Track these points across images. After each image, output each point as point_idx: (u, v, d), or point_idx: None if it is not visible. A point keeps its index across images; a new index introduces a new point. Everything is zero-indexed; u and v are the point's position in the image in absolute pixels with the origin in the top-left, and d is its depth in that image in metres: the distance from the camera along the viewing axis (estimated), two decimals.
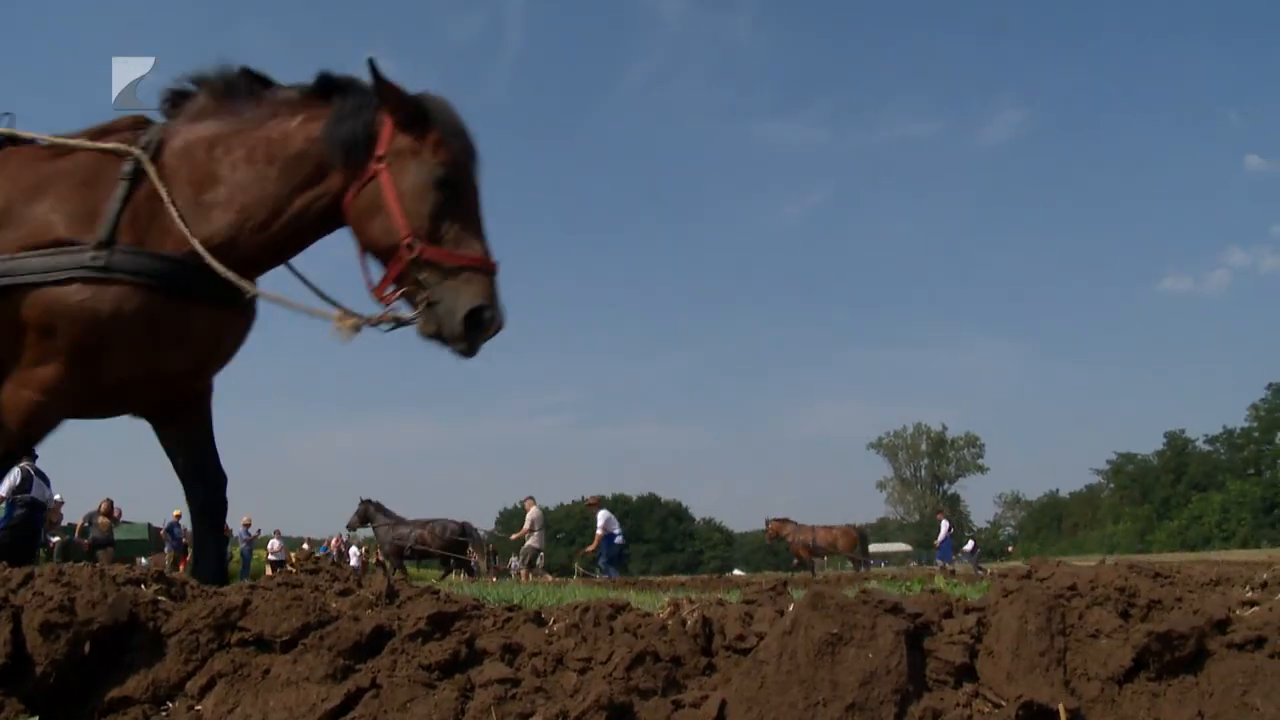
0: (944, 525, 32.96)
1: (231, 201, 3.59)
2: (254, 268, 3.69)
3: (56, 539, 21.90)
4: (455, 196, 3.59)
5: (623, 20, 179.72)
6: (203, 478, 3.89)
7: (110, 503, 23.78)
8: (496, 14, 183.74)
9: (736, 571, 34.68)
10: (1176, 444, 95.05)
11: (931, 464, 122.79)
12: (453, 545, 24.20)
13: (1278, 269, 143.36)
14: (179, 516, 27.94)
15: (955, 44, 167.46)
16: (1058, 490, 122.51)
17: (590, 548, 24.30)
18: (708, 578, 28.84)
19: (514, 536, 24.97)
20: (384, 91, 3.59)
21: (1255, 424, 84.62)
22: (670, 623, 1.99)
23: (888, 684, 1.64)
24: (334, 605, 2.12)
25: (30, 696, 1.80)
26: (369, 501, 25.53)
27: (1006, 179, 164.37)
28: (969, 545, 36.93)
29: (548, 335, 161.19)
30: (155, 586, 2.25)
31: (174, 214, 3.50)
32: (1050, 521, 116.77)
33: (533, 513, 23.24)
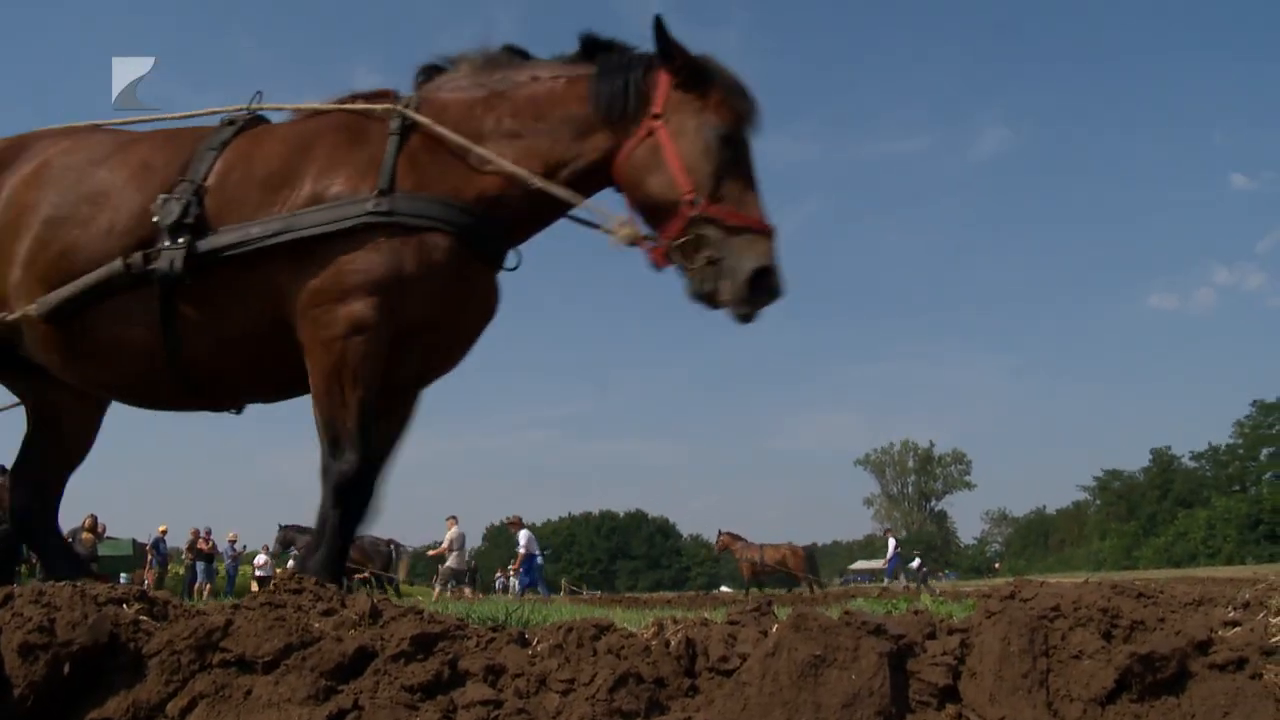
0: (891, 544, 33.09)
1: (501, 158, 3.58)
2: (516, 229, 3.70)
3: None
4: (736, 157, 3.54)
5: (614, 34, 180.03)
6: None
7: (94, 518, 23.60)
8: (488, 27, 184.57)
9: (724, 588, 34.77)
10: (1162, 461, 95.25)
11: (919, 480, 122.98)
12: (380, 561, 24.30)
13: (1262, 287, 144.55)
14: (164, 532, 27.79)
15: (944, 60, 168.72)
16: (1044, 507, 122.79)
17: (514, 566, 24.53)
18: (694, 594, 28.80)
19: (431, 553, 24.95)
20: (668, 48, 3.57)
21: (1240, 441, 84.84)
22: (654, 643, 1.98)
23: (870, 706, 1.64)
24: (317, 625, 2.11)
25: (8, 719, 1.79)
26: (287, 527, 25.67)
27: (994, 195, 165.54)
28: (915, 563, 37.24)
29: (535, 350, 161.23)
30: (137, 606, 2.24)
31: (467, 145, 3.53)
32: (1037, 538, 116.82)
33: (453, 532, 23.16)
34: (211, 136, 3.70)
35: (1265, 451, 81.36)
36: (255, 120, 3.88)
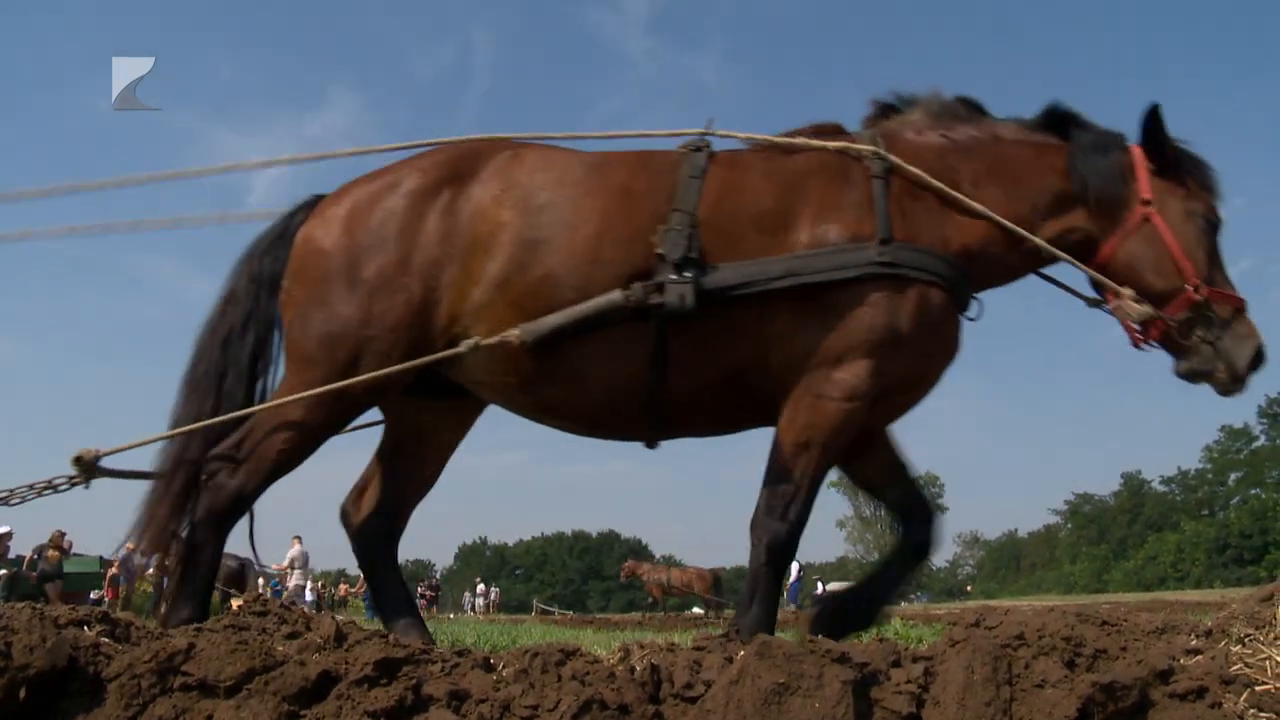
0: (794, 567, 33.20)
1: (986, 220, 3.56)
2: (980, 282, 3.67)
3: (3, 571, 21.42)
4: (1217, 241, 3.66)
5: (590, 57, 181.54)
6: (919, 512, 3.81)
7: (61, 534, 23.26)
8: (464, 49, 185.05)
9: (695, 610, 34.89)
10: (1133, 484, 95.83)
11: None
12: (230, 580, 24.66)
13: None
14: (133, 548, 27.49)
15: (917, 87, 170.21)
16: (1016, 530, 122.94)
17: (357, 589, 24.73)
18: (665, 616, 28.73)
19: (275, 568, 25.07)
20: (1161, 139, 3.64)
21: (1209, 465, 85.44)
22: (619, 670, 1.98)
23: None
24: (280, 649, 2.09)
25: None
26: None
27: None
28: (819, 587, 37.79)
29: None
30: (99, 628, 2.21)
31: (971, 204, 3.51)
32: (1009, 561, 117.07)
33: (294, 551, 23.20)
34: (688, 163, 3.57)
35: (1233, 476, 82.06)
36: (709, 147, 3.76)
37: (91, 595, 24.24)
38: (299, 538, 23.35)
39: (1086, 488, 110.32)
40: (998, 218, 3.51)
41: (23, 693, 1.80)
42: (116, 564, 27.11)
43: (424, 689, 1.91)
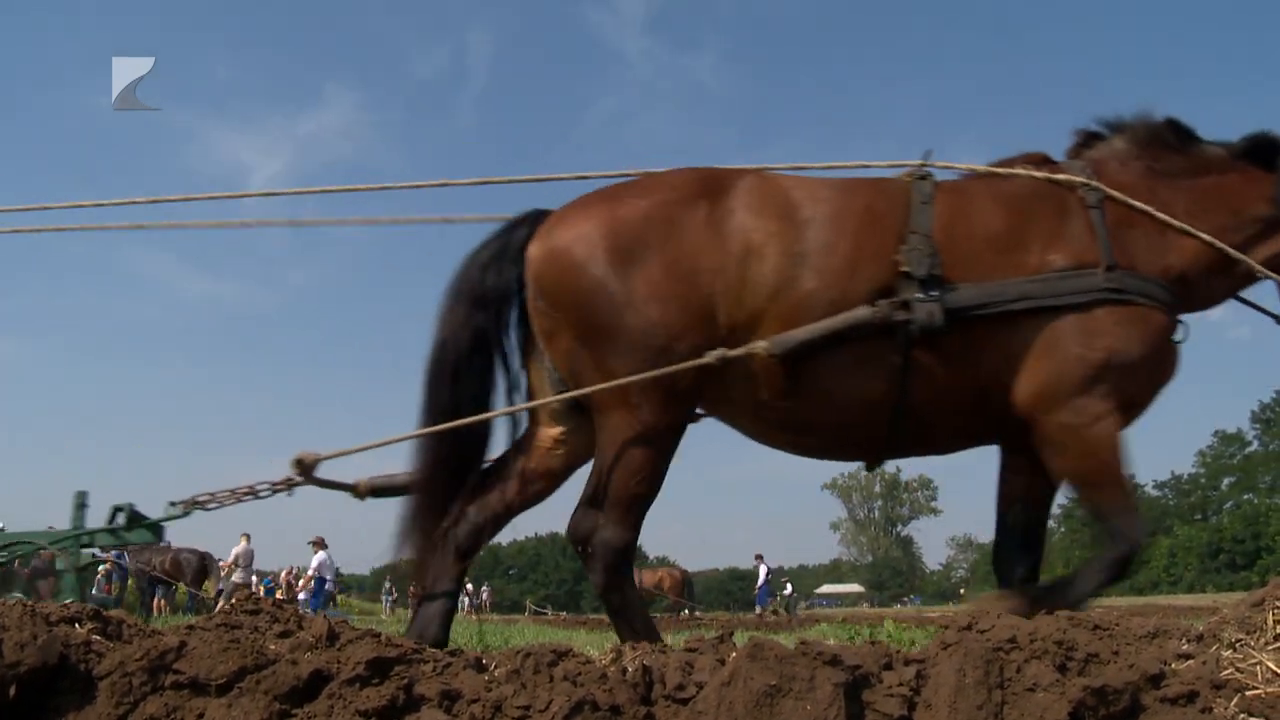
0: (762, 570, 33.29)
1: (1199, 246, 3.67)
2: (1187, 310, 3.77)
3: None
4: None
5: (587, 57, 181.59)
6: (1030, 545, 3.90)
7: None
8: (460, 49, 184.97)
9: (685, 612, 35.04)
10: None
11: (885, 506, 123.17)
12: (190, 574, 24.96)
13: (1226, 317, 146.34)
14: (125, 547, 27.51)
15: (915, 88, 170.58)
16: None
17: (300, 586, 25.11)
18: (659, 618, 28.73)
19: (224, 564, 25.31)
20: None
21: (1202, 470, 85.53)
22: (611, 670, 1.98)
23: None
24: (272, 648, 2.09)
25: None
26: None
27: None
28: (787, 589, 37.77)
29: None
30: (90, 625, 2.21)
31: (1196, 232, 3.64)
32: None
33: (239, 548, 23.49)
34: (917, 190, 3.66)
35: (1226, 481, 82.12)
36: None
37: (93, 593, 24.26)
38: (247, 535, 23.53)
39: None
40: (1220, 244, 3.64)
41: (13, 690, 1.80)
42: (109, 562, 27.12)
43: (416, 689, 1.91)
